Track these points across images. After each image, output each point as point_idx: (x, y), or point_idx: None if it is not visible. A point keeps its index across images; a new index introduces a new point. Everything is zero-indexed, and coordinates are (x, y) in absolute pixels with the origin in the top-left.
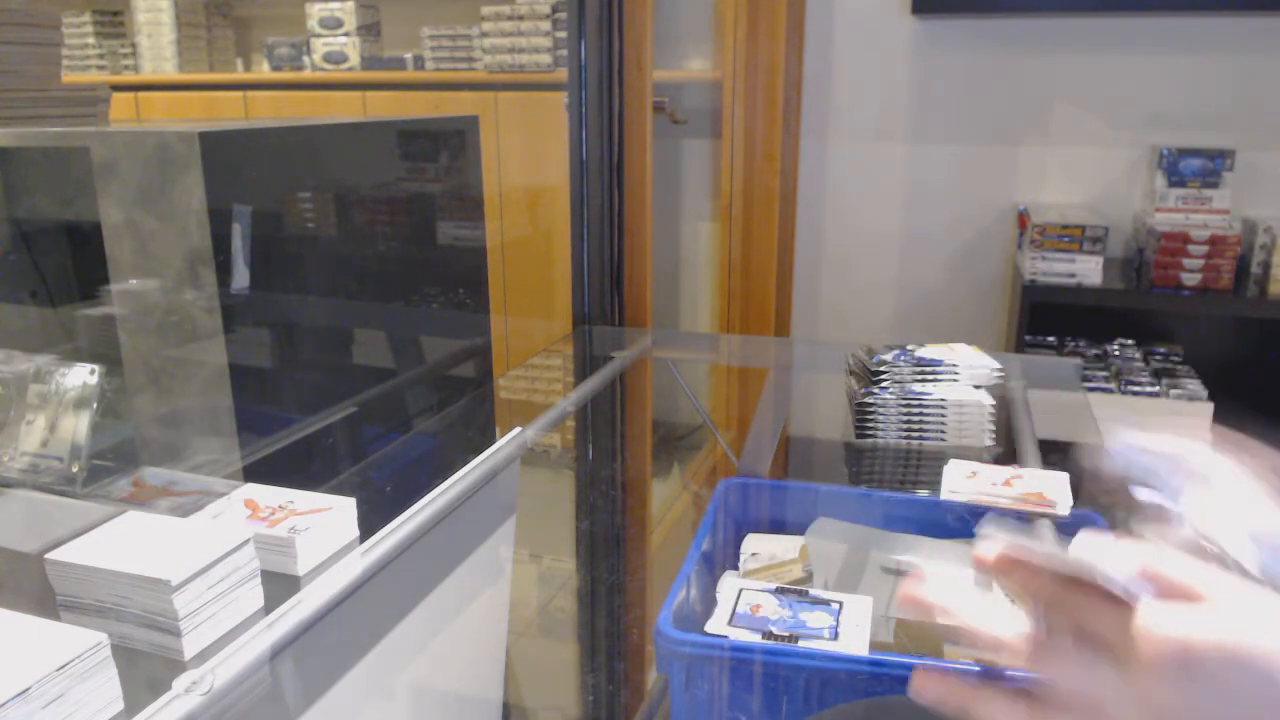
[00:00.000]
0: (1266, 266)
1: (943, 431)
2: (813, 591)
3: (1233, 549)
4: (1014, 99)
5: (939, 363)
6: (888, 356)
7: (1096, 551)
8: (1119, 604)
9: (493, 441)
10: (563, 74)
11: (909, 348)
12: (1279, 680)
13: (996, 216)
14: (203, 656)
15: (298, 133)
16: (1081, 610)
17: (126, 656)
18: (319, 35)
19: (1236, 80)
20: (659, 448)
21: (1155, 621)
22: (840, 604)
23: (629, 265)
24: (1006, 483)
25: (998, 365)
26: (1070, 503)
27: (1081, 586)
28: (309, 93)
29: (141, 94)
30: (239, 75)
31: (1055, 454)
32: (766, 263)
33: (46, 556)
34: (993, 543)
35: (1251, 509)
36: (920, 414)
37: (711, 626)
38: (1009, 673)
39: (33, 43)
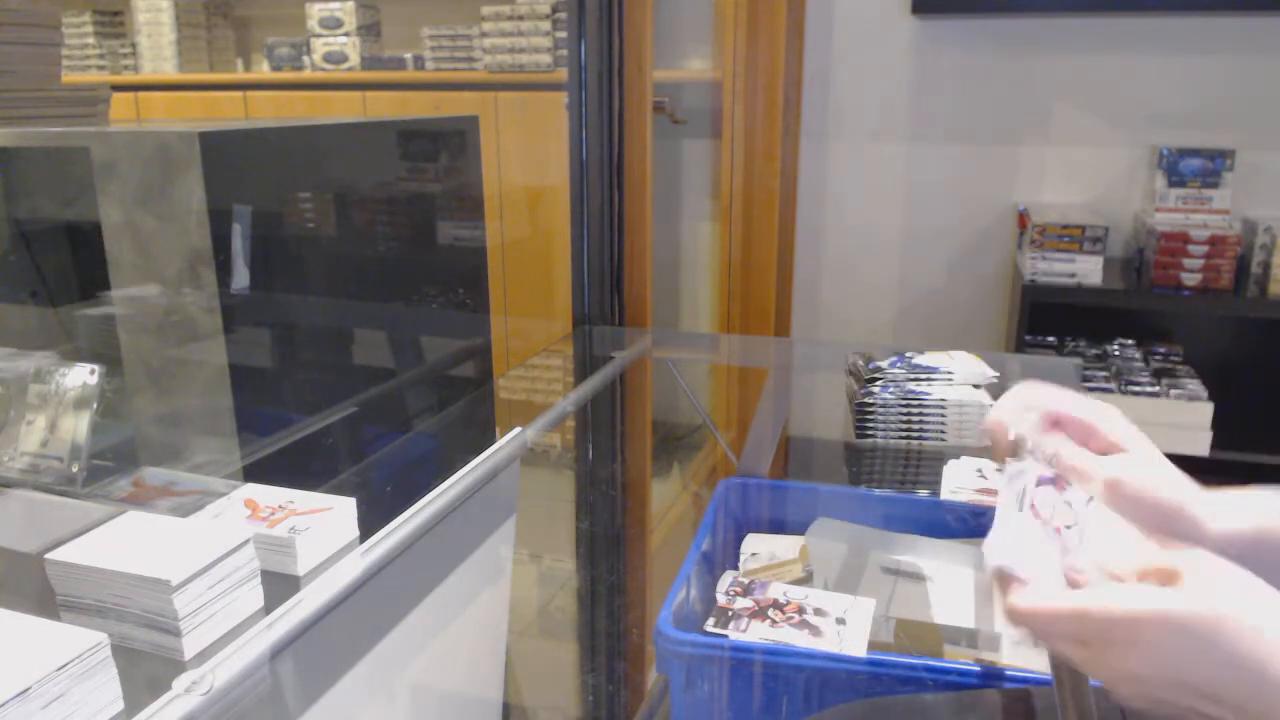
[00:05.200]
0: (1266, 266)
1: (943, 431)
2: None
3: None
4: (1014, 99)
5: (936, 369)
6: (884, 363)
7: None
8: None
9: (493, 441)
10: (563, 74)
11: (907, 354)
12: (1218, 643)
13: (996, 216)
14: (203, 656)
15: (298, 133)
16: None
17: (126, 656)
18: (319, 35)
19: (1236, 80)
20: (659, 448)
21: (1105, 598)
22: None
23: (629, 265)
24: None
25: (995, 374)
26: None
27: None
28: (309, 93)
29: (141, 94)
30: (239, 75)
31: None
32: (766, 263)
33: (46, 556)
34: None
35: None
36: (920, 414)
37: (711, 626)
38: (1008, 673)
39: (33, 43)
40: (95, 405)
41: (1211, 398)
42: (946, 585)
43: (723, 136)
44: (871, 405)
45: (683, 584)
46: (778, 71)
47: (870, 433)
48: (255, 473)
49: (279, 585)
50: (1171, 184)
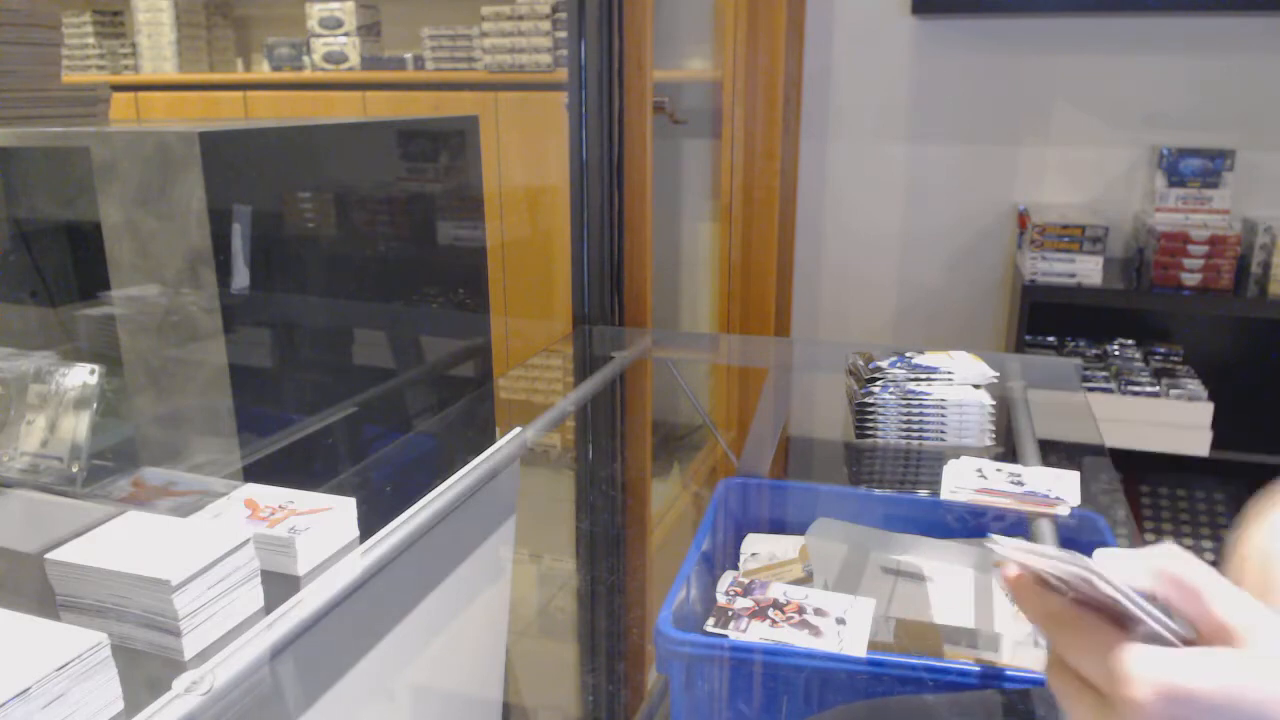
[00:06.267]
0: (1266, 266)
1: (943, 431)
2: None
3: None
4: (1014, 99)
5: (936, 369)
6: (884, 363)
7: (1123, 574)
8: (1120, 633)
9: (493, 441)
10: (563, 74)
11: (907, 354)
12: None
13: (996, 216)
14: (203, 656)
15: (298, 133)
16: (1083, 635)
17: (126, 656)
18: (319, 35)
19: (1236, 80)
20: (659, 448)
21: (1142, 664)
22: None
23: (629, 265)
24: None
25: (995, 374)
26: (1074, 503)
27: (1092, 610)
28: (309, 93)
29: (141, 94)
30: (239, 75)
31: (1055, 454)
32: (766, 263)
33: (46, 556)
34: (1013, 563)
35: None
36: (920, 414)
37: (711, 626)
38: (1008, 673)
39: (33, 43)
40: (95, 405)
41: (1211, 398)
42: (946, 585)
43: (723, 136)
44: (871, 405)
45: (683, 584)
46: (778, 71)
47: (870, 433)
48: (255, 473)
49: (279, 585)
50: (1171, 184)
